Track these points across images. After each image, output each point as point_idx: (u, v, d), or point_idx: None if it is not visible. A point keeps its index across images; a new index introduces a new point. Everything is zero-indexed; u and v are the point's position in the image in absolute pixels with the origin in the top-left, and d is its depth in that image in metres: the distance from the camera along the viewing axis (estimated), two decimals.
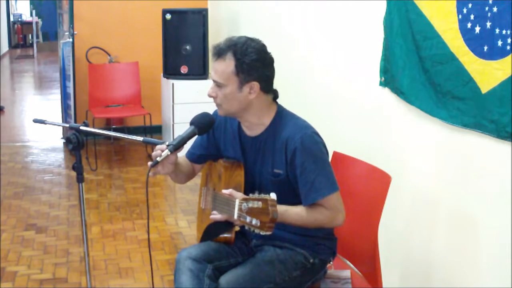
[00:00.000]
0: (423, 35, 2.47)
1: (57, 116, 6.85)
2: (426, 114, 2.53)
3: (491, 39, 2.09)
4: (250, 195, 1.89)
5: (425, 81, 2.49)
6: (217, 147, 2.39)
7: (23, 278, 3.47)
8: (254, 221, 1.83)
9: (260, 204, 1.82)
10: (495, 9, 2.07)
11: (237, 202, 1.93)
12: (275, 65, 2.21)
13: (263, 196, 1.83)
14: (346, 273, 2.41)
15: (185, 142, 2.14)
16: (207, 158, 2.45)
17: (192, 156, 2.44)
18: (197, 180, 2.67)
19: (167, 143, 2.12)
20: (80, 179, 2.24)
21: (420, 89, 2.54)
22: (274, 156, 2.20)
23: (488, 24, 2.10)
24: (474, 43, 2.18)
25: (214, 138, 2.38)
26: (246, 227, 1.89)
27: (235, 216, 1.93)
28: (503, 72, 2.04)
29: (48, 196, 4.84)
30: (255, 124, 2.24)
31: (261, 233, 1.83)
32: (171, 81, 5.64)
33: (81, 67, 6.19)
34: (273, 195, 1.83)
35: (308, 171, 2.12)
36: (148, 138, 2.28)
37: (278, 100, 2.28)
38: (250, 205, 1.85)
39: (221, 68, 2.14)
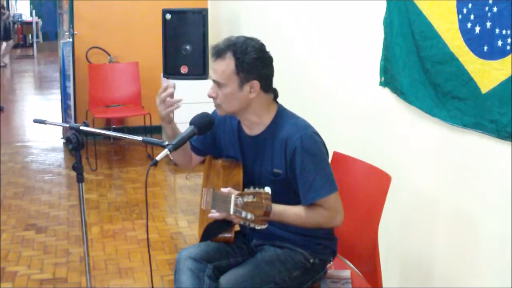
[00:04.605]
0: (423, 35, 2.47)
1: (57, 116, 6.86)
2: (426, 114, 2.53)
3: (491, 39, 2.09)
4: (245, 189, 1.89)
5: (425, 81, 2.49)
6: (215, 145, 2.40)
7: (23, 278, 3.47)
8: (249, 216, 1.83)
9: (254, 198, 1.82)
10: (495, 9, 2.07)
11: (232, 197, 1.93)
12: (276, 65, 2.21)
13: (257, 190, 1.84)
14: (346, 273, 2.41)
15: (184, 142, 2.14)
16: (203, 153, 2.45)
17: (190, 144, 2.44)
18: (197, 180, 2.68)
19: (166, 142, 2.13)
20: (80, 179, 2.24)
21: (420, 89, 2.54)
22: (274, 156, 2.20)
23: (488, 24, 2.10)
24: (474, 43, 2.18)
25: (212, 137, 2.38)
26: (242, 222, 1.89)
27: (231, 212, 1.93)
28: (503, 72, 2.04)
29: (48, 196, 4.85)
30: (255, 123, 2.24)
31: (256, 227, 1.83)
32: (171, 81, 5.64)
33: (81, 67, 6.19)
34: (267, 189, 1.83)
35: (307, 171, 2.12)
36: (148, 138, 2.27)
37: (279, 100, 2.29)
38: (245, 199, 1.85)
39: (221, 67, 2.14)
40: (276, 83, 2.26)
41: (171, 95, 2.25)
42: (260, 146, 2.24)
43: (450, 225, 2.49)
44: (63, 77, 6.27)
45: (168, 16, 5.62)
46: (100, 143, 6.30)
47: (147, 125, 5.88)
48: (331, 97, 3.58)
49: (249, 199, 1.84)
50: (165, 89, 2.23)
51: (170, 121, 2.29)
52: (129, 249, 3.86)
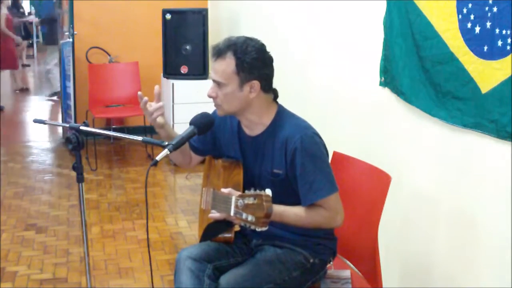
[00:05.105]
0: (423, 35, 2.47)
1: (57, 116, 6.86)
2: (426, 114, 2.53)
3: (491, 39, 2.09)
4: (246, 191, 1.89)
5: (425, 81, 2.49)
6: (214, 145, 2.40)
7: (23, 278, 3.47)
8: (249, 217, 1.84)
9: (255, 200, 1.82)
10: (495, 9, 2.07)
11: (233, 199, 1.93)
12: (276, 65, 2.21)
13: (258, 192, 1.84)
14: (346, 273, 2.41)
15: (184, 142, 2.14)
16: (203, 153, 2.45)
17: (190, 144, 2.44)
18: (197, 180, 2.68)
19: (166, 142, 2.13)
20: (80, 179, 2.24)
21: (420, 89, 2.54)
22: (274, 156, 2.20)
23: (488, 24, 2.10)
24: (474, 43, 2.18)
25: (212, 137, 2.38)
26: (243, 224, 1.89)
27: (232, 213, 1.93)
28: (503, 72, 2.04)
29: (48, 196, 4.85)
30: (255, 123, 2.24)
31: (257, 229, 1.83)
32: (171, 81, 5.64)
33: (81, 67, 6.20)
34: (268, 191, 1.83)
35: (308, 171, 2.12)
36: (148, 138, 2.28)
37: (278, 100, 2.29)
38: (246, 201, 1.86)
39: (222, 67, 2.14)
40: (276, 83, 2.26)
41: (158, 98, 2.26)
42: (260, 147, 2.24)
43: (450, 225, 2.49)
44: (63, 77, 6.27)
45: (168, 16, 5.62)
46: (100, 143, 6.30)
47: (147, 125, 5.84)
48: (331, 97, 3.58)
49: (249, 201, 1.84)
50: (141, 98, 2.24)
51: (161, 125, 2.29)
52: (129, 249, 3.86)
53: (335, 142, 2.84)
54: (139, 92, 2.26)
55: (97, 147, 5.99)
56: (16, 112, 8.62)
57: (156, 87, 2.29)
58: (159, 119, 2.26)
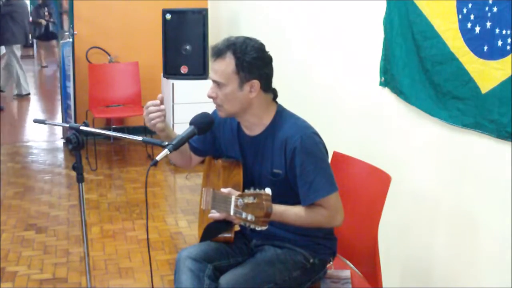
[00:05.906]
0: (423, 35, 2.47)
1: (57, 116, 6.85)
2: (426, 114, 2.53)
3: (491, 39, 2.09)
4: (246, 190, 1.89)
5: (425, 81, 2.49)
6: (214, 146, 2.40)
7: (23, 278, 3.47)
8: (249, 217, 1.84)
9: (255, 199, 1.82)
10: (495, 9, 2.07)
11: (233, 198, 1.94)
12: (276, 65, 2.21)
13: (258, 191, 1.84)
14: (346, 273, 2.41)
15: (184, 142, 2.14)
16: (203, 153, 2.45)
17: (190, 144, 2.44)
18: (197, 180, 2.68)
19: (166, 142, 2.13)
20: (80, 179, 2.24)
21: (420, 89, 2.54)
22: (274, 156, 2.20)
23: (488, 24, 2.10)
24: (474, 43, 2.18)
25: (212, 137, 2.38)
26: (242, 223, 1.89)
27: (232, 213, 1.93)
28: (503, 72, 2.04)
29: (48, 196, 4.85)
30: (255, 123, 2.24)
31: (257, 228, 1.83)
32: (171, 81, 5.64)
33: (81, 67, 6.19)
34: (268, 190, 1.83)
35: (308, 171, 2.12)
36: (148, 138, 2.28)
37: (278, 100, 2.29)
38: (246, 200, 1.86)
39: (221, 67, 2.13)
40: (276, 83, 2.26)
41: (161, 103, 2.26)
42: (260, 147, 2.24)
43: (450, 225, 2.49)
44: (63, 77, 6.27)
45: (168, 16, 5.62)
46: (100, 143, 6.30)
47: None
48: (331, 97, 3.58)
49: (249, 200, 1.84)
50: (158, 105, 2.23)
51: (161, 129, 2.27)
52: (129, 249, 3.86)
53: (335, 142, 2.84)
54: (160, 96, 2.25)
55: (97, 147, 5.98)
56: (16, 111, 8.62)
57: (160, 96, 2.29)
58: (159, 125, 2.25)
